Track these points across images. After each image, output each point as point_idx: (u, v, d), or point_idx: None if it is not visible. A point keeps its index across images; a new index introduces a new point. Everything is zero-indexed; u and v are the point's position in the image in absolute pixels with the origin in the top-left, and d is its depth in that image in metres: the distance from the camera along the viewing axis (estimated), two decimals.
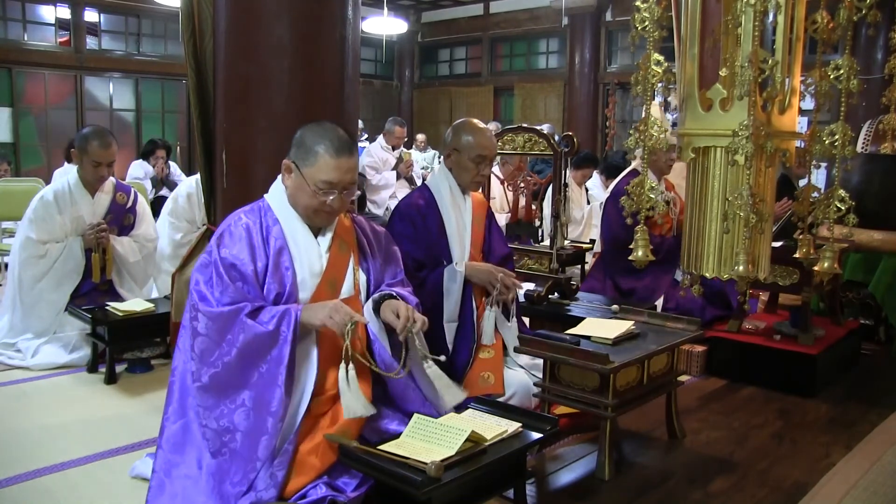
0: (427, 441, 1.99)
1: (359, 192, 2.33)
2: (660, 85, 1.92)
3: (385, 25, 10.01)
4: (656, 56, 1.89)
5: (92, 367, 3.65)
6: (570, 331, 2.77)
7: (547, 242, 3.79)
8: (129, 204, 4.11)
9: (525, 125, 3.82)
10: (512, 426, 2.13)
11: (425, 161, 8.92)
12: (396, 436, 2.06)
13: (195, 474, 2.06)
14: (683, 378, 3.56)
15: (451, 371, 2.63)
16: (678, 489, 2.49)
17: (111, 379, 3.50)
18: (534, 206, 3.95)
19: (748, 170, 1.72)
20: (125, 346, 3.63)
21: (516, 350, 2.74)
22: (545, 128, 4.32)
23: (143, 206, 4.24)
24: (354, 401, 2.01)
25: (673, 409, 2.89)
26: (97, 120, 9.09)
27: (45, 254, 3.84)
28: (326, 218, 2.21)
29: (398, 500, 1.92)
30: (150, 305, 3.71)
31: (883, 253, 4.11)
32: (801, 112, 2.66)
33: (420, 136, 10.11)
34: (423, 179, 6.69)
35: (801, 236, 2.13)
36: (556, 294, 3.69)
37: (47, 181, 5.73)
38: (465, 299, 2.89)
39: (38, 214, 3.87)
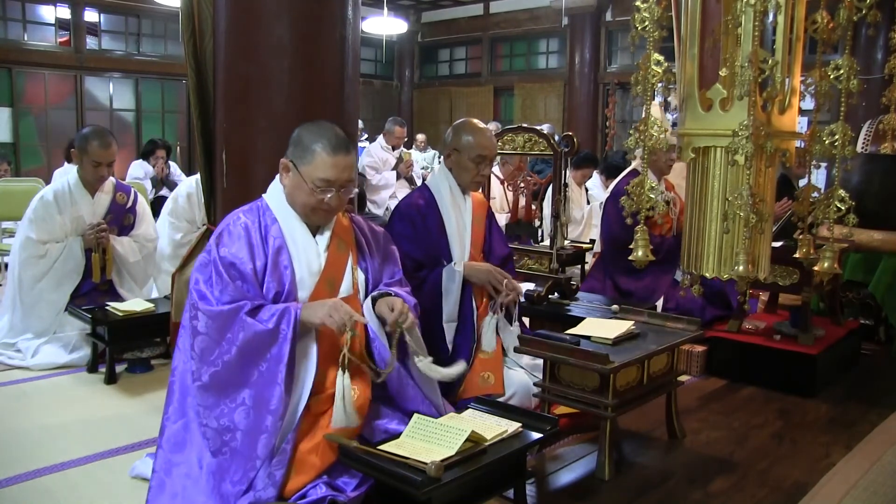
0: (427, 441, 1.99)
1: (356, 191, 2.33)
2: (660, 85, 1.92)
3: (385, 25, 10.01)
4: (656, 56, 1.89)
5: (92, 367, 3.65)
6: (570, 331, 2.77)
7: (547, 242, 3.79)
8: (129, 204, 4.11)
9: (525, 125, 3.82)
10: (512, 426, 2.13)
11: (425, 161, 8.92)
12: (396, 435, 2.06)
13: (196, 474, 2.06)
14: (683, 378, 3.56)
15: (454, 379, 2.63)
16: (678, 489, 2.49)
17: (111, 379, 3.50)
18: (534, 206, 3.95)
19: (748, 170, 1.72)
20: (125, 346, 3.63)
21: (516, 350, 2.74)
22: (545, 128, 4.32)
23: (143, 206, 4.24)
24: (343, 413, 2.01)
25: (673, 409, 2.89)
26: (97, 120, 9.09)
27: (45, 254, 3.84)
28: (324, 216, 2.21)
29: (398, 500, 1.92)
30: (150, 305, 3.71)
31: (883, 253, 4.10)
32: (801, 112, 2.65)
33: (420, 136, 10.11)
34: (423, 179, 6.68)
35: (801, 236, 2.13)
36: (556, 294, 3.69)
37: (47, 181, 5.73)
38: (464, 299, 2.90)
39: (38, 214, 3.87)
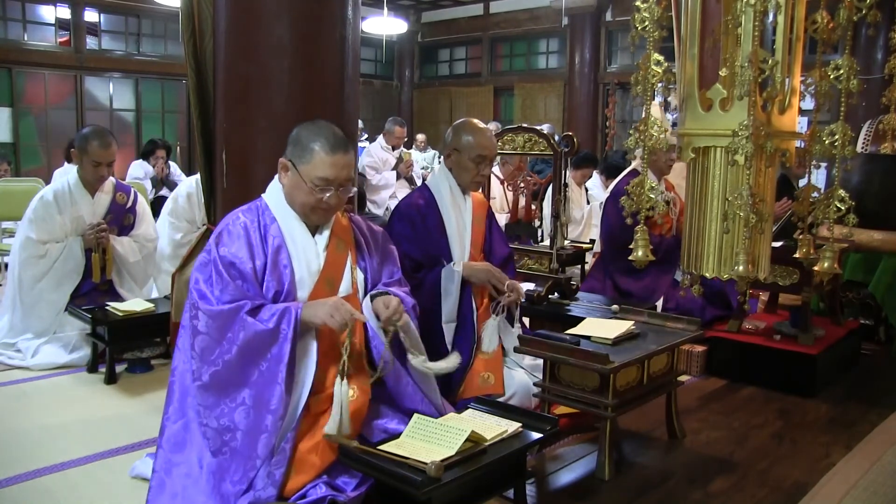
0: (427, 441, 1.99)
1: (355, 190, 2.34)
2: (660, 85, 1.92)
3: (385, 25, 10.01)
4: (656, 56, 1.89)
5: (92, 367, 3.65)
6: (570, 331, 2.77)
7: (547, 242, 3.79)
8: (129, 204, 4.11)
9: (525, 125, 3.82)
10: (512, 426, 2.13)
11: (425, 161, 8.92)
12: (396, 435, 2.06)
13: (196, 473, 2.06)
14: (683, 378, 3.56)
15: (451, 372, 2.63)
16: (678, 489, 2.49)
17: (111, 379, 3.50)
18: (534, 206, 3.95)
19: (748, 170, 1.72)
20: (125, 346, 3.63)
21: (516, 350, 2.74)
22: (545, 128, 4.32)
23: (143, 206, 4.24)
24: (338, 420, 2.00)
25: (673, 409, 2.89)
26: (97, 120, 9.08)
27: (45, 254, 3.84)
28: (323, 215, 2.21)
29: (398, 499, 1.92)
30: (150, 305, 3.71)
31: (883, 253, 4.11)
32: (801, 112, 2.65)
33: (420, 136, 10.10)
34: (423, 179, 6.68)
35: (801, 236, 2.13)
36: (556, 294, 3.69)
37: (47, 181, 5.72)
38: (464, 299, 2.89)
39: (38, 214, 3.87)
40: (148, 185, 6.45)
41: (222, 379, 2.05)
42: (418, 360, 2.19)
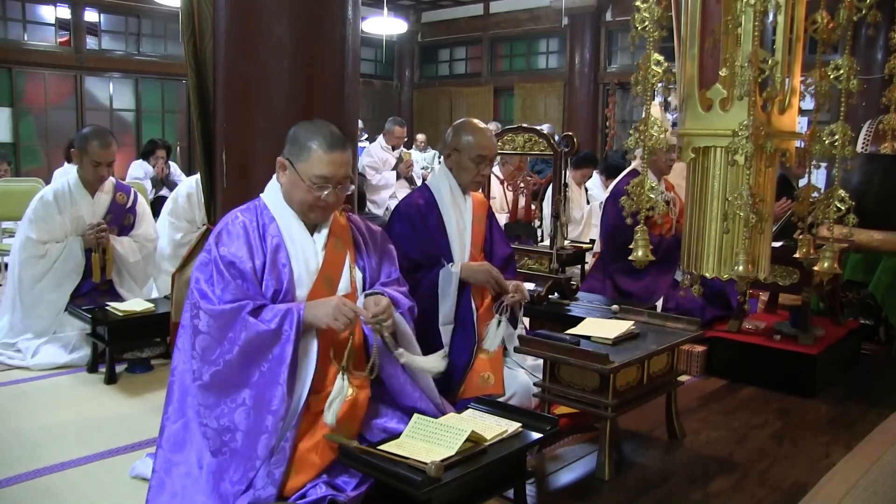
0: (427, 441, 1.99)
1: (353, 187, 2.34)
2: (660, 85, 1.92)
3: (385, 25, 10.01)
4: (656, 56, 1.89)
5: (92, 367, 3.65)
6: (570, 331, 2.77)
7: (547, 242, 3.79)
8: (129, 204, 4.11)
9: (525, 125, 3.82)
10: (512, 426, 2.13)
11: (425, 161, 8.92)
12: (396, 435, 2.06)
13: (195, 473, 2.06)
14: (683, 378, 3.56)
15: (450, 372, 2.63)
16: (678, 489, 2.49)
17: (111, 379, 3.50)
18: (534, 206, 3.96)
19: (748, 170, 1.72)
20: (125, 346, 3.63)
21: (516, 350, 2.74)
22: (545, 128, 4.32)
23: (143, 206, 4.24)
24: (333, 411, 2.00)
25: (673, 409, 2.89)
26: (97, 120, 9.08)
27: (45, 254, 3.84)
28: (321, 213, 2.21)
29: (398, 499, 1.92)
30: (150, 305, 3.71)
31: (883, 253, 4.11)
32: (801, 112, 2.65)
33: (420, 136, 10.11)
34: (423, 179, 6.69)
35: (801, 236, 2.13)
36: (556, 294, 3.69)
37: (47, 181, 5.73)
38: (463, 300, 2.89)
39: (37, 214, 3.87)
40: (148, 185, 6.45)
41: (223, 379, 2.05)
42: (406, 358, 2.19)
